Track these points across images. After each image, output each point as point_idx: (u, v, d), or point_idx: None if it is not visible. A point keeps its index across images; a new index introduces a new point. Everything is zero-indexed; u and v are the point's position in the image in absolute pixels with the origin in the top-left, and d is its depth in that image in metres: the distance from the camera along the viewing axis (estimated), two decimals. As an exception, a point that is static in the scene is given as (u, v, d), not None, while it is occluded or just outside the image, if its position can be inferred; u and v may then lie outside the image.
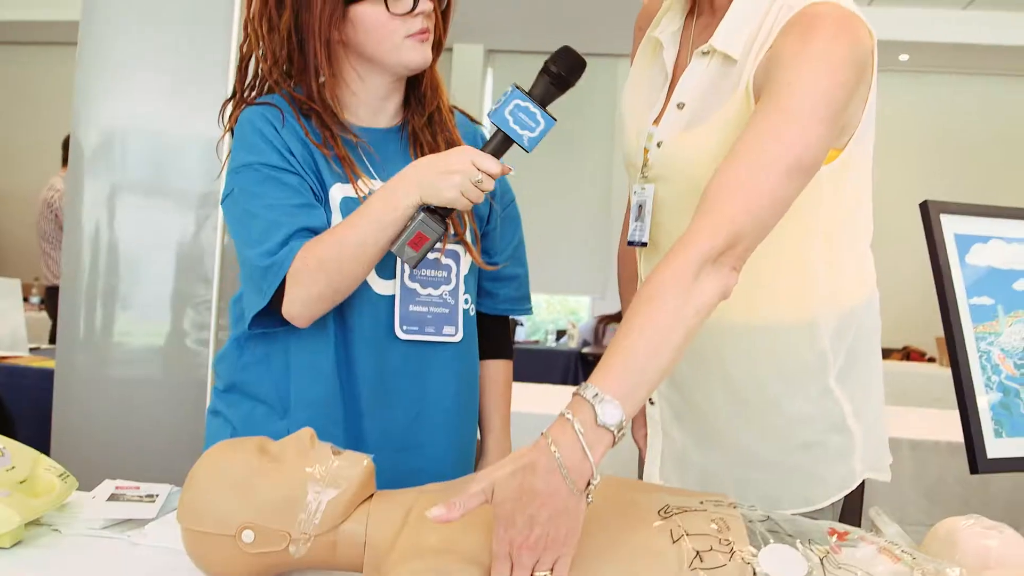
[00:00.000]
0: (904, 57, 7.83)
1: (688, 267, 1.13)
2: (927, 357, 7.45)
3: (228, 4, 2.77)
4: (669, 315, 1.11)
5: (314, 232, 1.39)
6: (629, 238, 1.50)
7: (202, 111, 2.78)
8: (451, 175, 1.32)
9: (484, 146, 1.35)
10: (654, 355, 1.09)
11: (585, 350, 7.57)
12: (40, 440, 1.91)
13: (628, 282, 1.70)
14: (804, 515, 1.25)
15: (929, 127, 8.16)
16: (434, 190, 1.32)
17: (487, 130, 1.51)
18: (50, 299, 5.46)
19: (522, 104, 1.32)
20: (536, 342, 8.36)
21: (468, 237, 1.54)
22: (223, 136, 1.57)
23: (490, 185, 1.33)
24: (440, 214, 1.35)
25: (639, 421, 1.65)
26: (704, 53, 1.39)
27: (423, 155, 1.48)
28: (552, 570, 1.03)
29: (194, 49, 2.80)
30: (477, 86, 8.67)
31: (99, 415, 2.66)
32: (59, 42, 8.31)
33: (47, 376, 2.95)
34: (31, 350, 3.69)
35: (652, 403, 1.55)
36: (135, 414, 2.66)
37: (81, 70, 2.78)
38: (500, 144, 1.34)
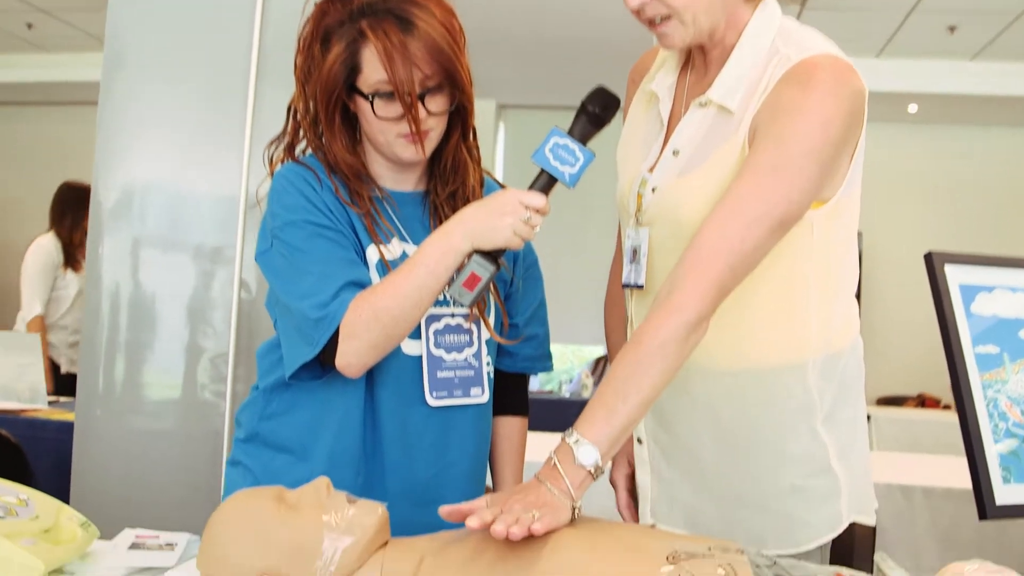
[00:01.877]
0: (913, 108, 7.89)
1: (677, 334, 1.25)
2: (942, 404, 7.40)
3: (245, 63, 2.82)
4: (656, 380, 1.25)
5: (361, 286, 1.40)
6: (624, 280, 1.53)
7: (218, 167, 2.81)
8: (503, 217, 1.34)
9: (529, 186, 1.37)
10: (635, 415, 1.25)
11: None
12: (59, 491, 1.92)
13: (616, 328, 1.76)
14: (791, 557, 1.27)
15: (939, 176, 8.19)
16: (487, 235, 1.34)
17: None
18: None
19: (560, 142, 1.34)
20: (550, 392, 8.35)
21: (488, 309, 1.56)
22: (265, 178, 1.57)
23: (539, 221, 1.35)
24: (492, 254, 1.36)
25: (619, 461, 1.68)
26: (702, 104, 1.43)
27: None
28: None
29: (211, 106, 2.84)
30: (489, 140, 8.76)
31: (118, 466, 2.68)
32: (54, 102, 8.40)
33: (66, 428, 2.98)
34: (50, 403, 3.73)
35: (640, 442, 1.56)
36: (153, 465, 2.68)
37: (102, 128, 2.81)
38: (544, 183, 1.36)
